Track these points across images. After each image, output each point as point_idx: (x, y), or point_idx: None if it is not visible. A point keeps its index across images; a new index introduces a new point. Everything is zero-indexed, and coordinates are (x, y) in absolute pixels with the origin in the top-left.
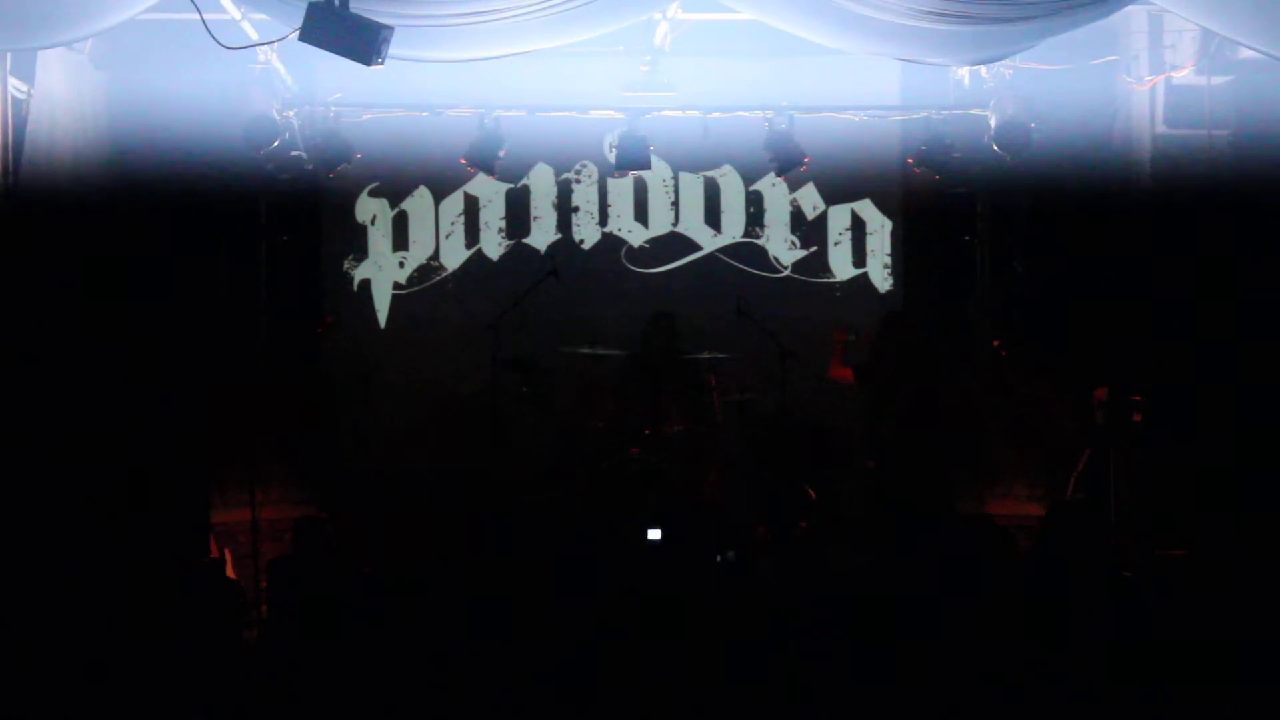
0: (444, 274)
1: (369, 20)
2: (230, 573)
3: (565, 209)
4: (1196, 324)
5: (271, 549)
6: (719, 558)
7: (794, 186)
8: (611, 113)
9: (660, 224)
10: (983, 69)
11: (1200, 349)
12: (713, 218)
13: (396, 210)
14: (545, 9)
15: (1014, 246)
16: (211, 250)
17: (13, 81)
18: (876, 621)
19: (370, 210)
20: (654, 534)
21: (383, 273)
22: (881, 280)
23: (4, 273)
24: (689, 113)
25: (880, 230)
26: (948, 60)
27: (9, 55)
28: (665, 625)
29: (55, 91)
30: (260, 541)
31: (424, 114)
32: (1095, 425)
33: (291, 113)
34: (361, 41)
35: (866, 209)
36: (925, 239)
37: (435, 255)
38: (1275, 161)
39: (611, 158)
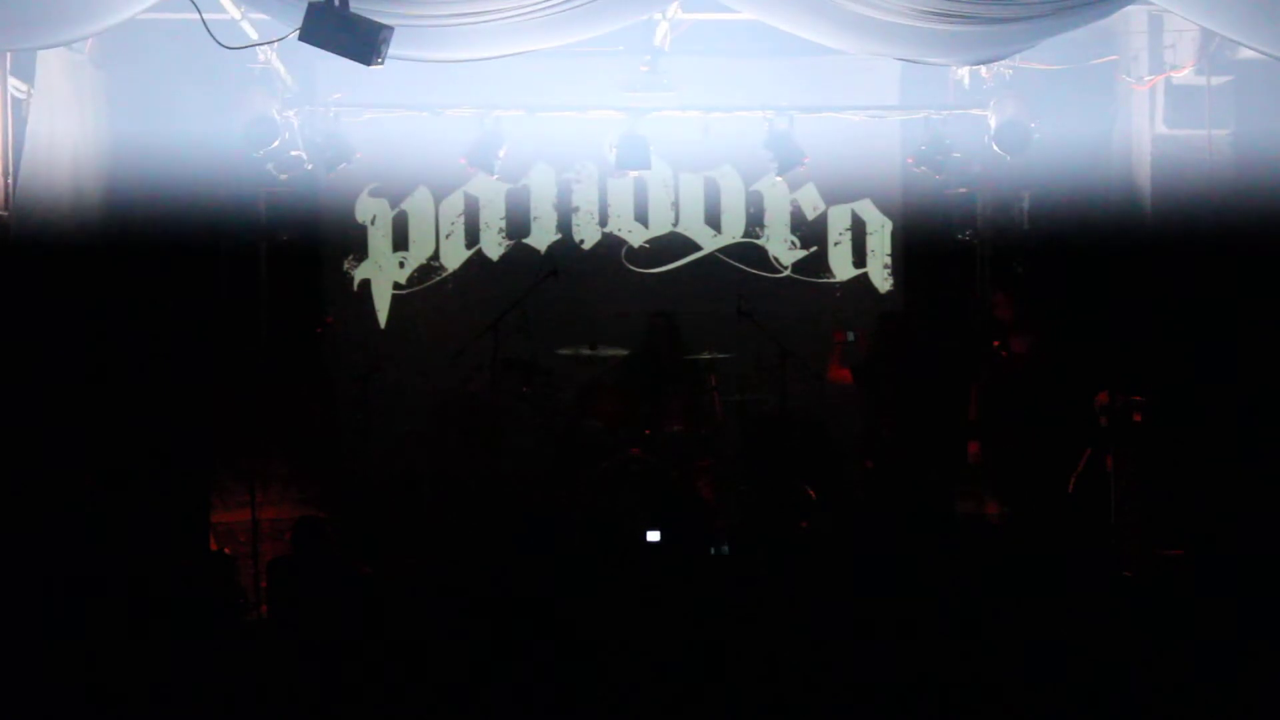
0: (444, 274)
1: (369, 20)
2: None
3: (565, 209)
4: (1196, 324)
5: (271, 549)
6: (712, 550)
7: (794, 186)
8: (611, 113)
9: (660, 224)
10: (983, 69)
11: (1200, 349)
12: (713, 218)
13: (396, 210)
14: (545, 9)
15: (1014, 246)
16: (211, 250)
17: (13, 81)
18: (875, 621)
19: (370, 210)
20: (653, 536)
21: (383, 273)
22: (881, 280)
23: (4, 272)
24: (689, 113)
25: (880, 230)
26: (948, 60)
27: (9, 55)
28: (662, 624)
29: (55, 91)
30: (260, 541)
31: (424, 114)
32: (1096, 426)
33: (292, 113)
34: (361, 41)
35: (866, 209)
36: (925, 239)
37: (435, 255)
38: (1275, 161)
39: (611, 158)
